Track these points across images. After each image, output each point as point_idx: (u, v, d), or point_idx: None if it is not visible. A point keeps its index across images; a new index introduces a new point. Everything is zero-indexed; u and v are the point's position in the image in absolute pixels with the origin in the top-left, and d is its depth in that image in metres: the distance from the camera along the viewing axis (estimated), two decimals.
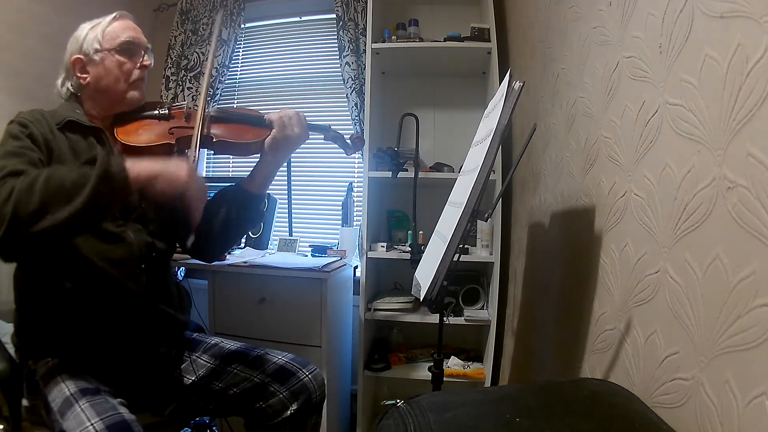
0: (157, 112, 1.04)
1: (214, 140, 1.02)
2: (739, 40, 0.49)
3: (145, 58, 1.02)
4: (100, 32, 0.98)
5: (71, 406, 0.80)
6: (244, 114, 1.09)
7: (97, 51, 0.97)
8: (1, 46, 1.71)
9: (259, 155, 1.06)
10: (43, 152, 0.88)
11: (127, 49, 0.99)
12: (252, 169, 1.08)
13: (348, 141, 1.18)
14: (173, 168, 0.82)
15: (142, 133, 0.99)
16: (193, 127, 1.00)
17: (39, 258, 0.90)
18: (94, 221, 0.81)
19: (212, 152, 1.07)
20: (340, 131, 1.17)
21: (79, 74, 0.98)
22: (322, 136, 1.16)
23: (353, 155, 1.39)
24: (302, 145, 1.07)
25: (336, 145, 1.18)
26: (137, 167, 0.78)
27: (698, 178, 0.56)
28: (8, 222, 0.70)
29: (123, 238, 0.95)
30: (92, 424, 0.76)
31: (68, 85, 1.01)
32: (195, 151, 0.94)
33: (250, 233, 1.95)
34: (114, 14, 1.02)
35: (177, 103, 1.10)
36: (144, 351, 0.98)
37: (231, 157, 2.33)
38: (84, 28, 0.99)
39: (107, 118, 1.01)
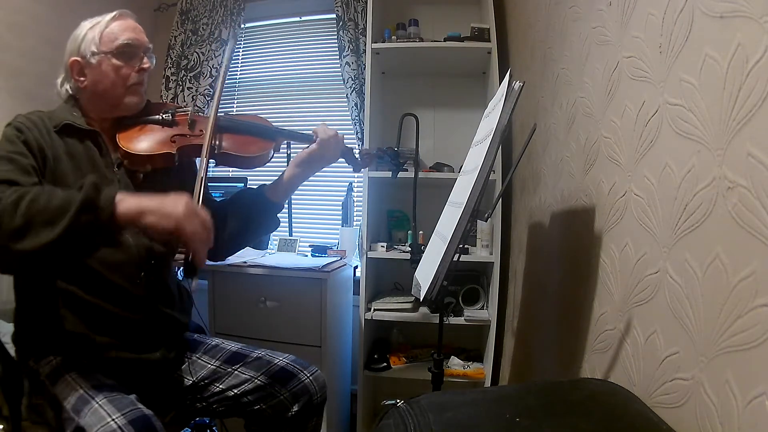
0: (160, 117, 1.01)
1: (216, 151, 0.99)
2: (739, 40, 0.49)
3: (144, 60, 0.99)
4: (98, 33, 0.95)
5: (87, 403, 0.80)
6: (251, 123, 1.06)
7: (94, 54, 0.94)
8: (1, 46, 1.71)
9: (259, 167, 1.05)
10: (37, 159, 0.87)
11: (125, 52, 0.96)
12: (277, 177, 1.07)
13: (357, 157, 1.13)
14: (169, 205, 0.75)
15: (143, 140, 0.97)
16: (196, 136, 0.98)
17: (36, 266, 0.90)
18: (81, 249, 0.75)
19: (213, 163, 1.04)
20: (348, 145, 1.11)
21: (76, 77, 0.96)
22: None
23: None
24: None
25: (342, 159, 1.11)
26: (127, 202, 0.74)
27: (698, 178, 0.56)
28: None
29: (122, 242, 0.94)
30: (114, 419, 0.76)
31: (67, 86, 0.99)
32: (199, 188, 0.87)
33: None
34: (114, 13, 0.98)
35: (182, 108, 1.06)
36: (144, 353, 0.97)
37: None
38: (83, 27, 0.97)
39: (107, 120, 0.99)
